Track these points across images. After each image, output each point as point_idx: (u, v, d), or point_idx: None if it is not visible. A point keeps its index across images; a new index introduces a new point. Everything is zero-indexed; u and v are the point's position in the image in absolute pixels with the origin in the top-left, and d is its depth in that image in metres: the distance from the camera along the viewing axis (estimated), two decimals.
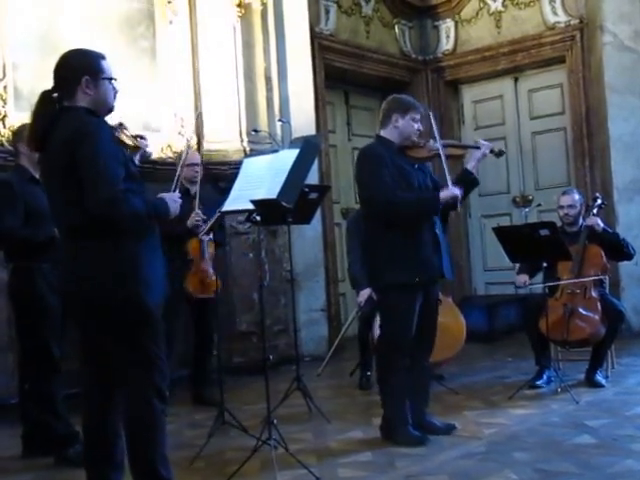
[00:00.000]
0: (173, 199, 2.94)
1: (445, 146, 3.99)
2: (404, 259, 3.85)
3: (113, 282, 2.74)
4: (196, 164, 5.05)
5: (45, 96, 2.85)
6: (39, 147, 2.88)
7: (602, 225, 5.18)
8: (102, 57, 2.89)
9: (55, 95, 2.83)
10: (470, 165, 4.02)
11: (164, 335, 2.92)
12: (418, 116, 4.00)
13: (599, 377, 5.04)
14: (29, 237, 3.87)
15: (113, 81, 2.90)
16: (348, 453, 3.80)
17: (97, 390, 2.92)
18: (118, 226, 2.73)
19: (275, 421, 3.69)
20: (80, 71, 2.81)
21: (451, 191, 3.83)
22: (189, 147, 4.56)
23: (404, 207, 3.85)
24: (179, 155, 4.58)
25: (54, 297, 3.77)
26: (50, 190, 2.89)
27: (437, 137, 3.93)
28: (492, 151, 4.06)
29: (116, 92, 2.92)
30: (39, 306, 3.88)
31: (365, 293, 5.27)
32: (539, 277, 5.30)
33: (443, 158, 3.89)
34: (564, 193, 5.45)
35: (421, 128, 4.02)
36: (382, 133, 4.05)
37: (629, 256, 5.30)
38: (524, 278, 5.21)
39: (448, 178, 3.88)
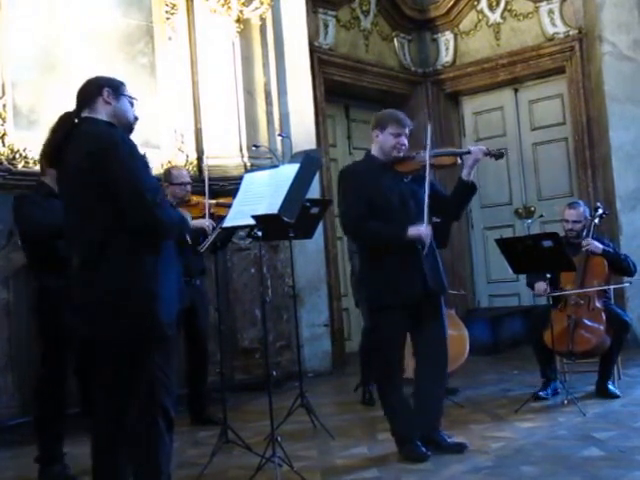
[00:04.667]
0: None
1: (435, 155, 3.88)
2: (377, 282, 3.90)
3: (127, 297, 2.72)
4: (187, 183, 5.03)
5: (64, 115, 2.91)
6: (54, 162, 2.90)
7: (601, 247, 5.10)
8: (123, 83, 2.99)
9: (74, 112, 2.88)
10: (464, 173, 3.91)
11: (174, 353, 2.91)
12: (401, 130, 3.90)
13: (612, 387, 4.99)
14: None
15: (134, 101, 2.98)
16: (353, 470, 3.75)
17: (107, 411, 2.87)
18: (160, 232, 2.77)
19: (279, 438, 3.67)
20: (102, 83, 2.92)
21: (419, 231, 3.77)
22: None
23: (369, 236, 3.90)
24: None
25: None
26: (69, 204, 2.88)
27: (427, 147, 3.83)
28: (490, 154, 3.90)
29: (136, 118, 2.99)
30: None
31: None
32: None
33: (427, 171, 3.79)
34: (570, 207, 5.33)
35: (404, 142, 3.91)
36: (372, 150, 4.03)
37: (630, 273, 5.24)
38: (544, 286, 5.03)
39: (426, 199, 3.76)
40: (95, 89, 2.90)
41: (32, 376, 4.85)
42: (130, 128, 2.96)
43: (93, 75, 3.01)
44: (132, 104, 2.97)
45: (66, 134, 2.83)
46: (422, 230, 3.76)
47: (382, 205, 3.85)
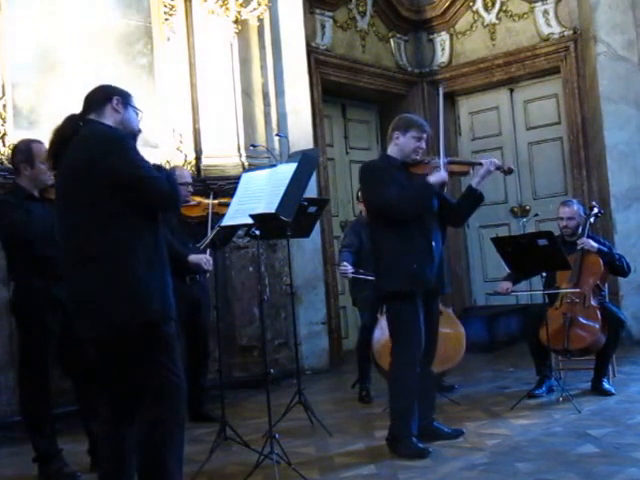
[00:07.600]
0: None
1: (449, 163, 4.05)
2: (398, 269, 3.95)
3: (121, 301, 2.74)
4: (188, 183, 5.06)
5: (70, 116, 2.95)
6: (56, 161, 2.92)
7: (596, 246, 5.15)
8: (131, 94, 3.05)
9: (80, 115, 2.92)
10: (474, 182, 4.07)
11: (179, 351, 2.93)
12: (422, 135, 4.05)
13: (607, 385, 5.03)
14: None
15: (140, 113, 3.04)
16: (351, 466, 3.79)
17: (113, 414, 2.89)
18: (176, 203, 3.02)
19: (277, 435, 3.70)
20: (112, 92, 2.97)
21: (440, 175, 3.93)
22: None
23: (407, 203, 3.92)
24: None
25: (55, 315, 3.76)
26: (63, 202, 2.89)
27: (442, 154, 4.00)
28: (501, 169, 4.11)
29: (140, 130, 3.05)
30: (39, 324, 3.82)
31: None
32: (522, 285, 5.36)
33: (442, 135, 4.01)
34: (564, 204, 5.41)
35: (423, 146, 4.08)
36: (388, 151, 4.16)
37: (624, 273, 5.31)
38: (506, 285, 5.27)
39: (441, 137, 4.00)
40: (105, 96, 2.94)
41: None
42: (134, 137, 2.99)
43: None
44: (137, 115, 3.02)
45: (70, 135, 2.86)
46: (441, 174, 3.93)
47: None
